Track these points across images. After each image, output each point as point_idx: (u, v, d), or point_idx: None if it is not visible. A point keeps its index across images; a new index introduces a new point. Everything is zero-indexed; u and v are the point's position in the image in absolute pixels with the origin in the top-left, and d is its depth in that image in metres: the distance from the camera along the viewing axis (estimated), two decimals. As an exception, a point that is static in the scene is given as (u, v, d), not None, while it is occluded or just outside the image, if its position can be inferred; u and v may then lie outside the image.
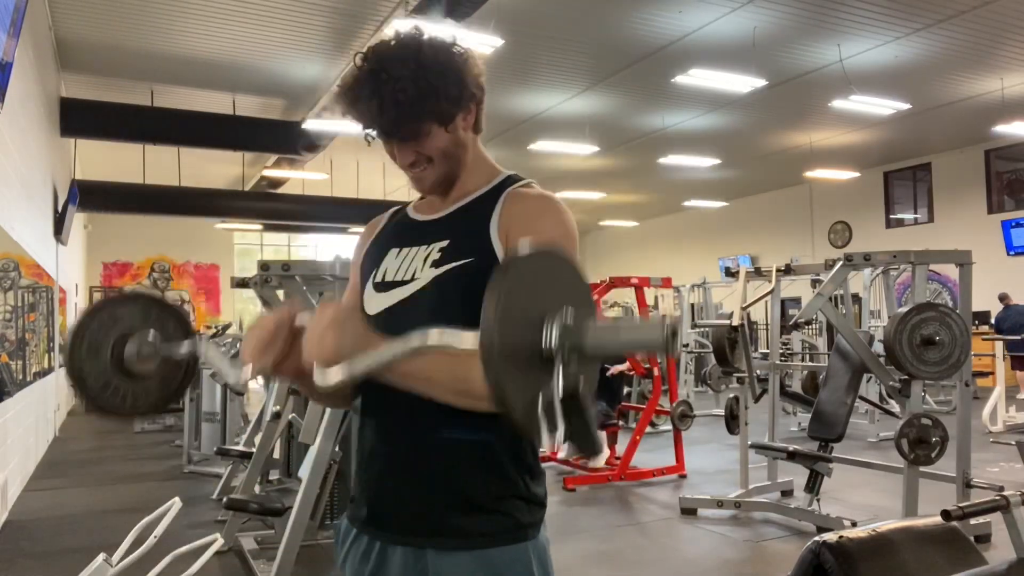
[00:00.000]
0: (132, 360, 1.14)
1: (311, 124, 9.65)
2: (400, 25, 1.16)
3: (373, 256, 1.24)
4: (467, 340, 0.83)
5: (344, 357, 0.93)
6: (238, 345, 6.32)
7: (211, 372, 5.96)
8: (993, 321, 10.99)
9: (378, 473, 1.17)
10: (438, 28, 1.16)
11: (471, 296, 1.03)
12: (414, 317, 1.09)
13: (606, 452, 6.18)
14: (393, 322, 1.14)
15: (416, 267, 1.17)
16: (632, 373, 6.39)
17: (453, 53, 1.15)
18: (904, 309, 3.90)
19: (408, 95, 1.09)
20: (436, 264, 1.14)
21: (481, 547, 1.10)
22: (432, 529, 1.11)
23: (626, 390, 7.35)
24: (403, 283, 1.17)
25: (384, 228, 1.29)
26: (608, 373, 6.23)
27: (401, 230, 1.25)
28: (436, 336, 0.87)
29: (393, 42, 1.13)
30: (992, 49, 8.73)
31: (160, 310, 1.20)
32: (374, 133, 1.15)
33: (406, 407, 1.11)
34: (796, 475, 5.01)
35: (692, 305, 11.20)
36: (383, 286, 1.20)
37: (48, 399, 8.23)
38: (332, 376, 0.92)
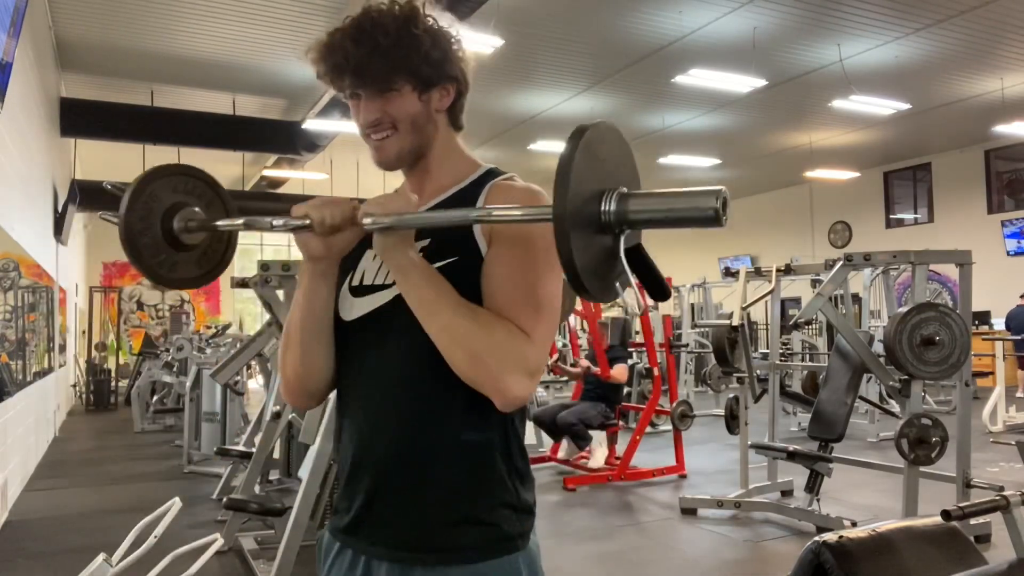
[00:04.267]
0: (181, 231, 1.18)
1: (311, 124, 9.65)
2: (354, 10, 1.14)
3: (350, 257, 1.15)
4: (533, 212, 0.95)
5: (394, 212, 1.02)
6: (238, 344, 6.32)
7: (209, 372, 5.95)
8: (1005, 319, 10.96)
9: (361, 484, 1.11)
10: (438, 14, 1.14)
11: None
12: (396, 323, 1.07)
13: (606, 451, 6.19)
14: (373, 329, 1.11)
15: None
16: (603, 379, 6.23)
17: (446, 30, 1.13)
18: (904, 309, 3.90)
19: (389, 40, 1.07)
20: None
21: (471, 561, 1.05)
22: (419, 544, 1.07)
23: (626, 390, 7.35)
24: (383, 287, 1.11)
25: None
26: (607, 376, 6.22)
27: None
28: (499, 211, 1.02)
29: (385, 5, 1.11)
30: (992, 49, 8.73)
31: (205, 186, 1.25)
32: (345, 88, 1.11)
33: (388, 413, 1.09)
34: (796, 475, 5.01)
35: (692, 305, 11.20)
36: (360, 290, 1.14)
37: (48, 399, 8.23)
38: (381, 220, 1.02)
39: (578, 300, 6.05)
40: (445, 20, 1.13)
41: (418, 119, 1.12)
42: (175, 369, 9.22)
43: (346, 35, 1.09)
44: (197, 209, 1.21)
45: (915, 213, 14.89)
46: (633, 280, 0.94)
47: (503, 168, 1.20)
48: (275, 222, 1.10)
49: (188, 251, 1.22)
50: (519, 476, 1.11)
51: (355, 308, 1.14)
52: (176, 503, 2.42)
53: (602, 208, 0.91)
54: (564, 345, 8.62)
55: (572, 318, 7.55)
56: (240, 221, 1.18)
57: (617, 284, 0.95)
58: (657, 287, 0.98)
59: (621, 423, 6.79)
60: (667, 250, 19.39)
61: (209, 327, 13.88)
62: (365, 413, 1.12)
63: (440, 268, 1.06)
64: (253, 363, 6.69)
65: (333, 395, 1.21)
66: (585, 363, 6.33)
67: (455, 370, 1.01)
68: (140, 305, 17.42)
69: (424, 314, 1.02)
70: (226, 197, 1.27)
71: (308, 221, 1.04)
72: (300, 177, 13.29)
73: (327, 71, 1.11)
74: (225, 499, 3.67)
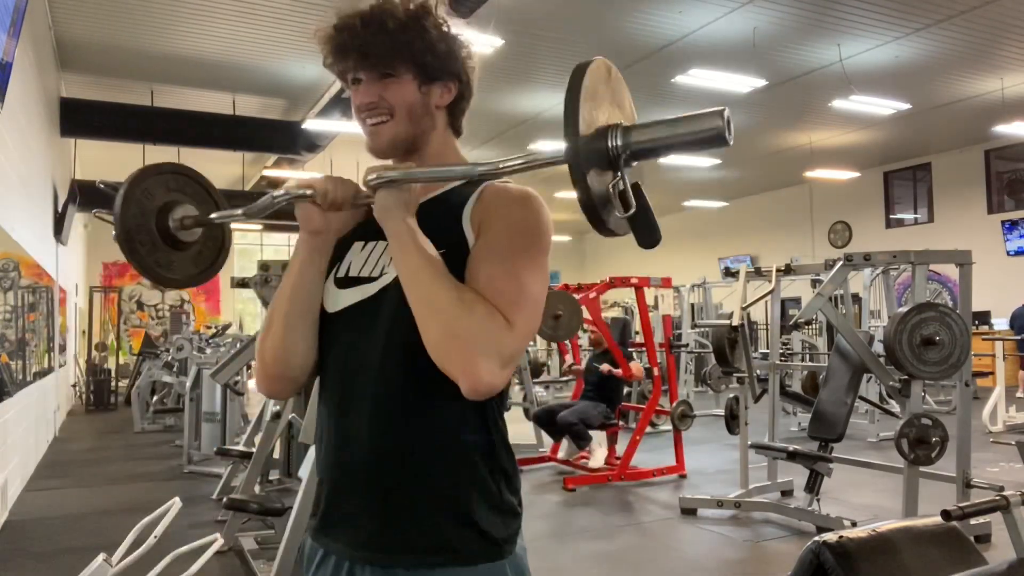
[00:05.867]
0: (176, 228, 1.19)
1: (311, 124, 9.65)
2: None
3: (335, 247, 1.15)
4: (545, 155, 0.97)
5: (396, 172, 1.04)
6: (238, 344, 6.32)
7: (209, 372, 5.95)
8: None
9: (343, 485, 1.09)
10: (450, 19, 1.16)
11: None
12: (381, 316, 1.06)
13: (605, 451, 6.19)
14: (356, 321, 1.10)
15: (384, 262, 1.10)
16: (626, 377, 6.30)
17: (455, 33, 1.14)
18: (904, 309, 3.90)
19: (396, 24, 1.08)
20: None
21: (457, 565, 1.03)
22: (402, 547, 1.04)
23: (626, 390, 7.35)
24: (369, 279, 1.10)
25: None
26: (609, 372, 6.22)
27: (367, 222, 1.13)
28: (508, 161, 1.00)
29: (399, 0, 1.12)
30: (992, 49, 8.73)
31: (196, 184, 1.25)
32: (348, 63, 1.12)
33: (368, 408, 1.06)
34: (796, 475, 5.01)
35: (692, 305, 11.20)
36: (346, 282, 1.13)
37: (48, 399, 8.23)
38: (387, 174, 1.03)
39: (585, 309, 6.06)
40: (457, 26, 1.14)
41: (415, 109, 1.12)
42: (175, 369, 9.22)
43: (355, 17, 1.10)
44: (191, 206, 1.21)
45: (915, 213, 14.89)
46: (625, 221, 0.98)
47: None
48: (276, 193, 1.10)
49: (184, 249, 1.22)
50: (504, 475, 1.09)
51: (339, 300, 1.13)
52: (176, 503, 2.42)
53: (609, 143, 0.94)
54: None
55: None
56: (239, 212, 1.18)
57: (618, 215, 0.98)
58: (648, 228, 0.99)
59: (621, 423, 6.79)
60: (667, 250, 19.40)
61: (209, 327, 13.87)
62: (345, 408, 1.10)
63: None
64: (253, 363, 6.69)
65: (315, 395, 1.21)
66: (606, 367, 6.26)
67: (427, 345, 0.99)
68: (140, 305, 17.42)
69: (409, 281, 1.02)
70: (217, 195, 1.27)
71: (311, 192, 1.06)
72: (300, 177, 13.28)
73: (332, 50, 1.12)
74: (225, 499, 3.67)
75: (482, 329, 0.97)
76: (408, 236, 1.03)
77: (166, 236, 1.19)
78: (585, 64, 0.92)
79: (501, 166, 1.00)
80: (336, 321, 1.13)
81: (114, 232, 1.15)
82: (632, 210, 0.94)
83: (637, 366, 6.41)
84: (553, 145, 0.89)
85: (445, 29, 1.12)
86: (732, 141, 0.89)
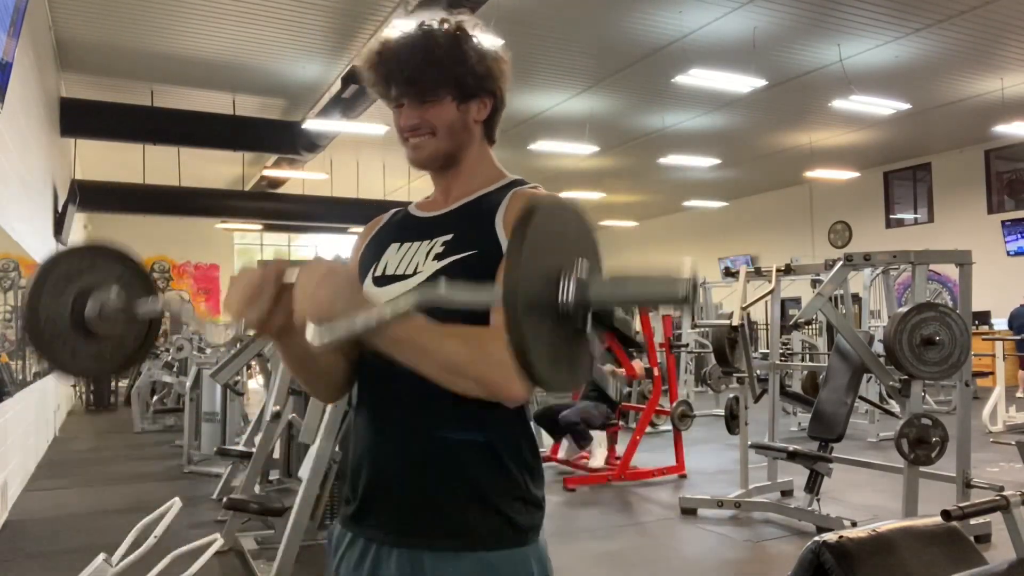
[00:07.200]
0: (93, 318, 1.08)
1: (311, 124, 9.65)
2: (405, 24, 1.17)
3: (372, 251, 1.22)
4: (478, 294, 0.85)
5: (340, 314, 0.88)
6: (238, 345, 6.32)
7: (209, 372, 5.96)
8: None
9: (374, 473, 1.13)
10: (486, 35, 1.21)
11: None
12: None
13: (606, 451, 6.19)
14: None
15: (418, 261, 1.14)
16: (630, 376, 6.37)
17: (493, 50, 1.18)
18: (904, 309, 3.89)
19: (442, 51, 1.12)
20: (439, 257, 1.12)
21: (481, 549, 1.07)
22: (430, 531, 1.08)
23: (626, 390, 7.35)
24: (404, 277, 1.14)
25: (385, 225, 1.28)
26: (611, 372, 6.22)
27: (403, 226, 1.23)
28: (444, 289, 0.86)
29: (436, 22, 1.16)
30: (992, 49, 8.73)
31: (124, 266, 1.14)
32: (392, 91, 1.15)
33: (405, 404, 1.10)
34: (796, 475, 5.01)
35: (692, 305, 11.17)
36: (383, 280, 1.17)
37: (48, 399, 8.23)
38: (326, 334, 0.88)
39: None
40: (489, 40, 1.19)
41: (455, 126, 1.16)
42: (175, 369, 9.22)
43: (401, 45, 1.13)
44: (114, 291, 1.09)
45: (915, 213, 14.89)
46: (601, 349, 0.88)
47: (507, 170, 1.24)
48: (196, 327, 1.03)
49: (98, 340, 1.11)
50: (529, 471, 1.13)
51: (376, 297, 1.15)
52: (176, 503, 2.42)
53: (560, 299, 0.81)
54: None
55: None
56: (159, 307, 1.09)
57: (586, 367, 0.90)
58: (626, 341, 0.95)
59: (621, 423, 6.79)
60: (667, 250, 19.42)
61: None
62: (378, 404, 1.14)
63: (458, 260, 1.10)
64: (253, 363, 6.69)
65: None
66: (609, 367, 6.30)
67: (467, 395, 1.02)
68: (140, 305, 17.40)
69: (415, 364, 1.00)
70: (150, 279, 1.17)
71: (243, 322, 0.96)
72: (300, 177, 13.29)
73: (377, 78, 1.15)
74: (225, 499, 3.67)
75: (502, 362, 0.95)
76: (380, 333, 0.97)
77: (79, 325, 1.08)
78: (533, 208, 0.81)
79: (442, 293, 0.87)
80: None
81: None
82: (595, 345, 0.88)
83: (639, 364, 6.42)
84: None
85: (482, 48, 1.17)
86: (693, 305, 0.83)
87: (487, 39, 1.19)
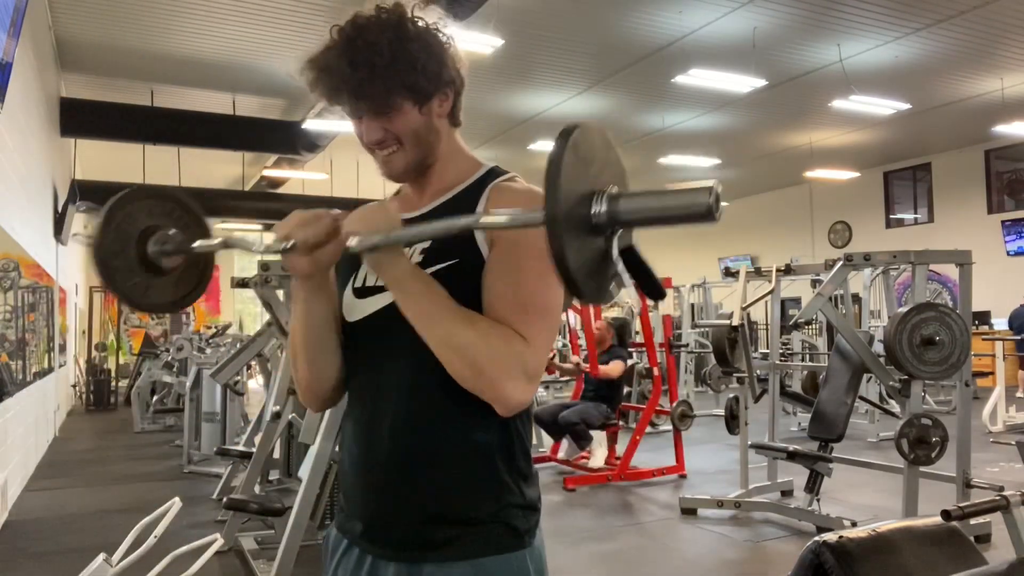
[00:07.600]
0: (155, 255, 1.17)
1: (311, 124, 9.65)
2: (333, 28, 1.09)
3: (350, 260, 1.13)
4: (517, 218, 0.94)
5: (381, 229, 0.99)
6: (238, 345, 6.32)
7: (209, 372, 5.96)
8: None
9: (368, 483, 1.12)
10: (425, 12, 1.11)
11: (459, 299, 1.03)
12: (398, 324, 1.06)
13: (606, 451, 6.19)
14: (376, 330, 1.12)
15: None
16: (592, 375, 6.21)
17: (435, 32, 1.10)
18: (904, 309, 3.90)
19: (384, 59, 1.04)
20: (419, 267, 1.08)
21: (478, 556, 1.06)
22: (427, 543, 1.07)
23: (626, 390, 7.35)
24: (383, 289, 1.09)
25: None
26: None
27: None
28: (482, 219, 1.00)
29: (373, 13, 1.08)
30: (992, 49, 8.73)
31: (182, 210, 1.23)
32: (344, 106, 1.10)
33: (392, 413, 1.09)
34: (796, 475, 5.01)
35: (692, 305, 11.20)
36: (363, 292, 1.14)
37: (48, 399, 8.23)
38: (365, 241, 0.99)
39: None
40: (433, 15, 1.11)
41: (420, 131, 1.12)
42: (175, 369, 9.22)
43: (341, 56, 1.05)
44: (173, 232, 1.19)
45: (915, 213, 14.89)
46: (629, 280, 0.93)
47: (503, 167, 1.19)
48: (256, 247, 1.10)
49: (163, 276, 1.20)
50: (521, 476, 1.12)
51: (358, 309, 1.15)
52: (176, 503, 2.42)
53: (593, 210, 0.89)
54: (564, 345, 8.62)
55: (571, 316, 7.54)
56: (217, 241, 1.17)
57: (612, 285, 0.94)
58: (652, 287, 0.97)
59: (621, 423, 6.79)
60: (667, 250, 19.43)
61: (209, 327, 13.88)
62: (370, 412, 1.13)
63: (441, 270, 1.06)
64: (253, 363, 6.69)
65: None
66: (575, 359, 6.33)
67: (456, 379, 1.02)
68: (140, 305, 17.40)
69: (422, 325, 1.02)
70: (205, 222, 1.24)
71: (292, 243, 1.02)
72: (300, 177, 13.28)
73: (325, 93, 1.10)
74: (225, 499, 3.67)
75: (503, 356, 1.00)
76: (408, 281, 1.03)
77: (145, 262, 1.17)
78: (573, 126, 0.87)
79: (482, 220, 1.01)
80: (357, 331, 1.15)
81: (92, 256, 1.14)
82: (619, 277, 0.92)
83: (614, 365, 6.20)
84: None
85: (427, 38, 1.09)
86: (720, 217, 0.85)
87: (429, 15, 1.10)
